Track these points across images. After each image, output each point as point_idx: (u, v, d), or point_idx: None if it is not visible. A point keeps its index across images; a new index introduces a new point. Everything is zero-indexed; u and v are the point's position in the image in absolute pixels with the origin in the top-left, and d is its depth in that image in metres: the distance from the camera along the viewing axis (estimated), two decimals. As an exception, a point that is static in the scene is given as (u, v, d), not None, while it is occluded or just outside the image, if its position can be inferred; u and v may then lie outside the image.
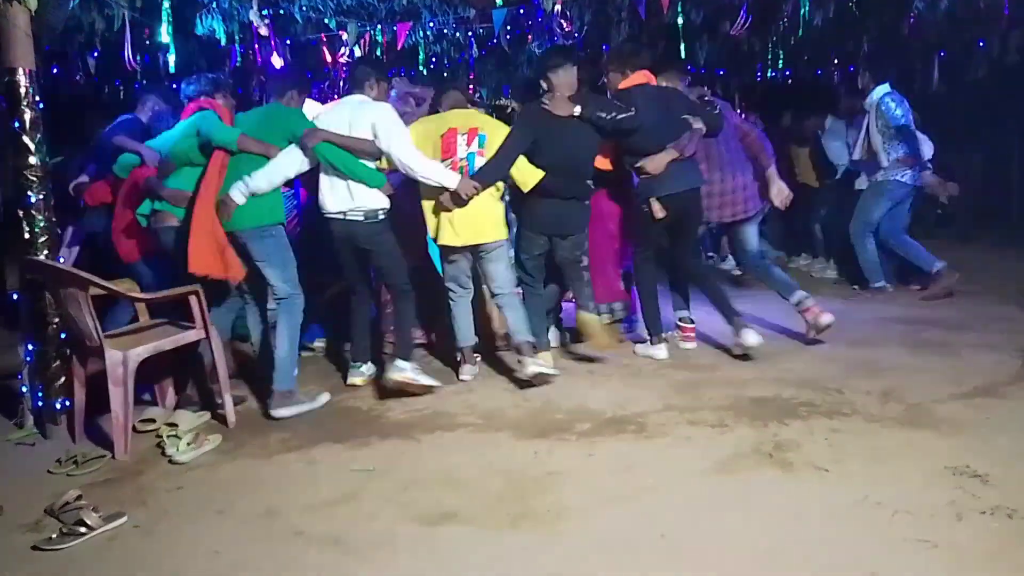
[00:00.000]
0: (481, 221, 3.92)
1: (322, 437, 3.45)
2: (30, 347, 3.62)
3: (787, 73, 8.54)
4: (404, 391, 3.87)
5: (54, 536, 2.62)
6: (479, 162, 3.89)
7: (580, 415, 3.57)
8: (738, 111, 4.88)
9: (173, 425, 3.46)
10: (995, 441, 3.09)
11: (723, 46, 6.90)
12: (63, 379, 3.59)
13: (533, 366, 3.93)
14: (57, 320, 3.56)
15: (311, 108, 4.19)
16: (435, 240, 4.02)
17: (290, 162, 3.77)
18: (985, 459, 2.89)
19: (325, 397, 3.92)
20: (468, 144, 3.91)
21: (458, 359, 4.24)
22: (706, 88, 4.69)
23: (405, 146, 3.75)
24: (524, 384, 3.99)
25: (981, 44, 7.07)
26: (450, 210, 3.87)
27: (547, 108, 3.97)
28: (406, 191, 4.00)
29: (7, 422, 3.75)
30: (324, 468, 3.15)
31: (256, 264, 3.78)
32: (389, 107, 3.87)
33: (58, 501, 2.80)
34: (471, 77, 7.54)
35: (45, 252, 3.51)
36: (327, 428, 3.56)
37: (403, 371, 3.86)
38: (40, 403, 3.61)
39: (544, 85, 4.05)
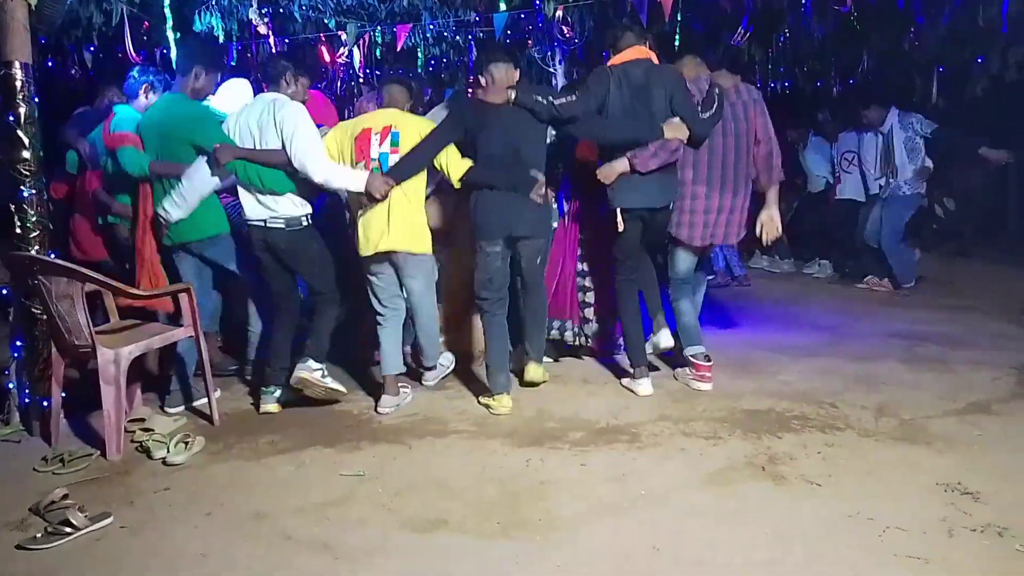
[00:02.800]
0: (396, 228, 3.63)
1: (312, 440, 3.42)
2: (18, 343, 3.58)
3: (786, 84, 8.57)
4: (307, 396, 3.74)
5: (39, 535, 2.59)
6: (393, 160, 3.64)
7: (573, 424, 3.55)
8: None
9: (149, 429, 3.42)
10: (988, 458, 3.09)
11: (724, 55, 6.91)
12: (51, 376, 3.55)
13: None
14: (45, 317, 3.52)
15: (237, 91, 4.06)
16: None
17: (205, 178, 3.69)
18: (978, 476, 2.89)
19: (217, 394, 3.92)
20: (380, 143, 3.65)
21: (383, 385, 3.84)
22: (720, 85, 3.92)
23: (307, 151, 3.51)
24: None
25: (980, 60, 7.09)
26: (365, 213, 3.65)
27: (479, 96, 3.72)
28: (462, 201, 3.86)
29: (-6, 418, 3.72)
30: (314, 472, 3.12)
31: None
32: (299, 108, 3.65)
33: (44, 500, 2.77)
34: (470, 80, 7.53)
35: (37, 247, 3.48)
36: (317, 431, 3.53)
37: (311, 370, 3.73)
38: (27, 400, 3.57)
39: (483, 80, 3.75)
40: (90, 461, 3.23)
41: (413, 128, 3.70)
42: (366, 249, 3.69)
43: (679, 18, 5.70)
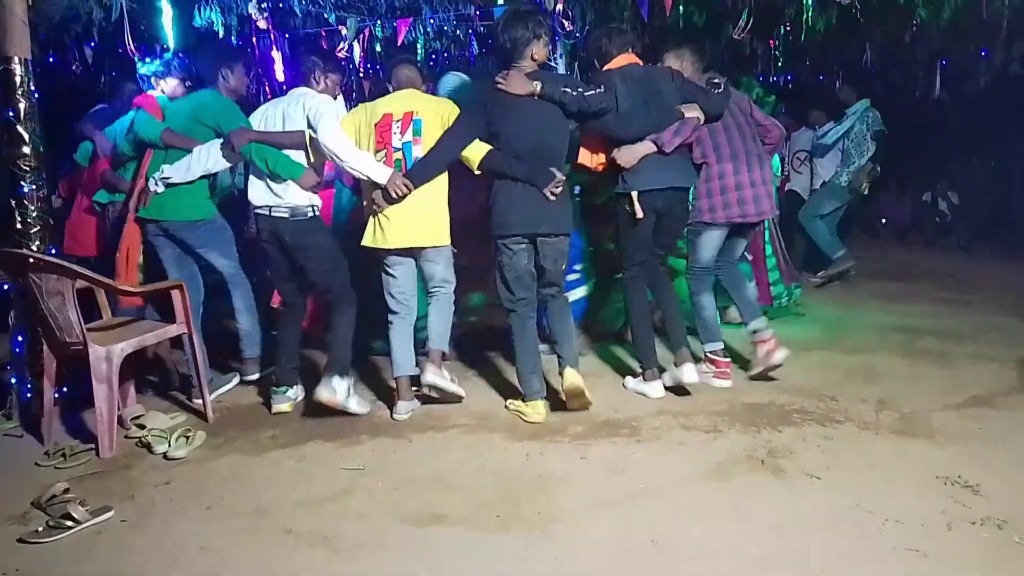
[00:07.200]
0: (416, 221, 3.51)
1: (312, 434, 3.43)
2: (19, 338, 3.59)
3: (788, 77, 8.55)
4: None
5: (40, 529, 2.59)
6: (416, 151, 3.49)
7: (573, 417, 3.55)
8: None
9: (142, 426, 3.42)
10: (988, 452, 3.09)
11: (725, 49, 6.89)
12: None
13: (433, 376, 3.58)
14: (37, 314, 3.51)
15: None
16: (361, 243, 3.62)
17: (209, 157, 3.74)
18: (977, 470, 2.89)
19: (235, 379, 4.05)
20: (403, 132, 3.52)
21: (395, 392, 3.69)
22: (717, 74, 3.95)
23: (333, 134, 3.46)
24: (420, 393, 3.70)
25: (984, 53, 7.07)
26: (381, 208, 3.50)
27: (500, 87, 3.47)
28: (471, 184, 3.68)
29: (-5, 413, 3.73)
30: (314, 466, 3.13)
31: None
32: (327, 98, 3.63)
33: (45, 494, 2.78)
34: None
35: (37, 243, 3.50)
36: (318, 425, 3.54)
37: (333, 392, 3.51)
38: (29, 395, 3.58)
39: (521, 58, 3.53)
40: (91, 456, 3.24)
41: (435, 114, 3.55)
42: (380, 242, 3.55)
43: (681, 11, 5.69)
